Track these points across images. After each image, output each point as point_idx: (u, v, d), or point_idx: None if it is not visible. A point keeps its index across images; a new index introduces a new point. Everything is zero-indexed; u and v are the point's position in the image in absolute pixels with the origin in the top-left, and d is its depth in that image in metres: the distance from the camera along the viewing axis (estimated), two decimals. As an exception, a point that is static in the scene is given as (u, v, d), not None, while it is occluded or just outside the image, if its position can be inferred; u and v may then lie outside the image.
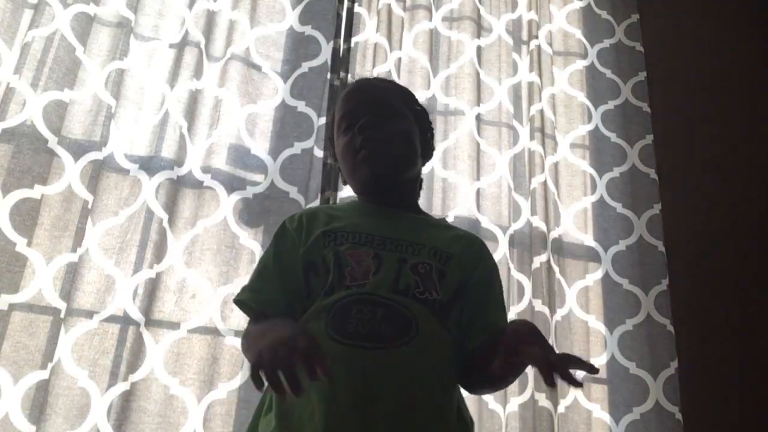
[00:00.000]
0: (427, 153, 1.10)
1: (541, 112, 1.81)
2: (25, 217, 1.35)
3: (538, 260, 1.66)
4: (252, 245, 1.51)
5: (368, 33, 1.77)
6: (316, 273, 0.91)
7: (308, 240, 0.94)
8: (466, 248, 0.99)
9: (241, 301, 0.95)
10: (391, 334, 0.82)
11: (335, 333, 0.82)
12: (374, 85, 1.08)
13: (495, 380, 0.91)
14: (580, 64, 1.99)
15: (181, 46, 1.60)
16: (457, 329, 0.92)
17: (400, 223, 0.98)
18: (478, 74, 1.84)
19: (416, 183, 1.08)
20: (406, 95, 1.09)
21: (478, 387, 0.96)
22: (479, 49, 1.87)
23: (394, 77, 1.72)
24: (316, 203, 1.58)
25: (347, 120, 1.02)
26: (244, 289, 0.96)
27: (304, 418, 0.79)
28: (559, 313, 1.66)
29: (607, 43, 2.03)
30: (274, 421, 0.83)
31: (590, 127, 1.92)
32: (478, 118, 1.79)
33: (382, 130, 0.99)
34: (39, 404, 1.26)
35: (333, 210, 1.02)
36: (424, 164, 1.11)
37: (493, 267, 1.02)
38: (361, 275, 0.87)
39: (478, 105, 1.80)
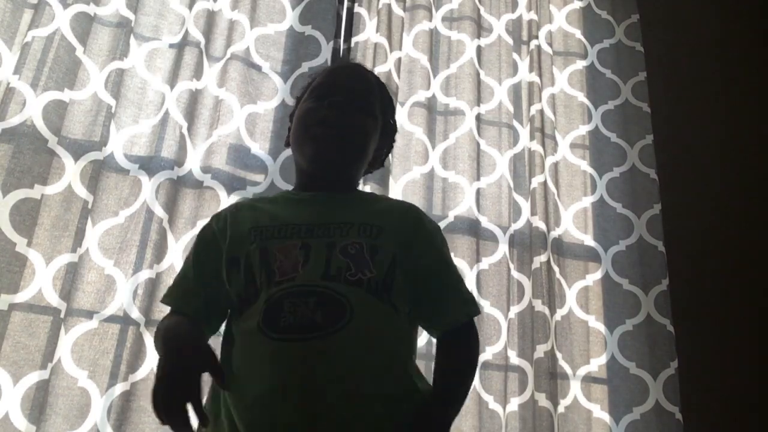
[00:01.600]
0: (375, 164, 1.10)
1: (541, 112, 1.81)
2: (25, 217, 1.35)
3: (538, 260, 1.66)
4: (252, 245, 1.51)
5: (368, 33, 1.77)
6: (237, 269, 0.90)
7: (233, 238, 0.93)
8: (400, 218, 0.98)
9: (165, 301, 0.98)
10: (324, 321, 0.80)
11: (269, 330, 0.81)
12: (365, 77, 1.07)
13: None
14: (580, 64, 1.99)
15: (181, 46, 1.60)
16: (406, 299, 0.91)
17: (328, 206, 0.97)
18: (478, 74, 1.84)
19: (354, 179, 1.07)
20: (388, 104, 1.09)
21: None
22: (479, 49, 1.87)
23: (394, 77, 1.72)
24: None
25: (323, 90, 1.02)
26: (170, 288, 0.99)
27: (243, 412, 0.80)
28: (559, 313, 1.66)
29: (607, 43, 2.03)
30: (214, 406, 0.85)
31: (590, 127, 1.92)
32: (478, 118, 1.79)
33: (345, 118, 0.98)
34: (39, 404, 1.26)
35: (260, 202, 1.02)
36: (368, 172, 1.12)
37: (434, 230, 1.02)
38: (290, 268, 0.86)
39: (478, 105, 1.80)
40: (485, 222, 1.70)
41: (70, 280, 1.35)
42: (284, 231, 0.91)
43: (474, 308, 0.98)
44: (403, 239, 0.94)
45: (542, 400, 1.53)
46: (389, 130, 1.10)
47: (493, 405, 1.53)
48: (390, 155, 1.65)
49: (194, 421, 0.72)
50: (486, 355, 1.56)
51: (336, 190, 1.01)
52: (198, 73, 1.59)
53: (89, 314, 1.36)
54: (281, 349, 0.80)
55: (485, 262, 1.65)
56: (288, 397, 0.78)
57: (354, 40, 1.77)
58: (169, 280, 1.41)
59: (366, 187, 1.56)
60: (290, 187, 1.55)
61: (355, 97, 1.01)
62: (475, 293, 1.59)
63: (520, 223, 1.73)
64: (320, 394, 0.77)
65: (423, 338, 1.43)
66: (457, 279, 1.00)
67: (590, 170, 1.87)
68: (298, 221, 0.92)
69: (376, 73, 1.67)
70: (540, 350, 1.57)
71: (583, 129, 1.92)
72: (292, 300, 0.82)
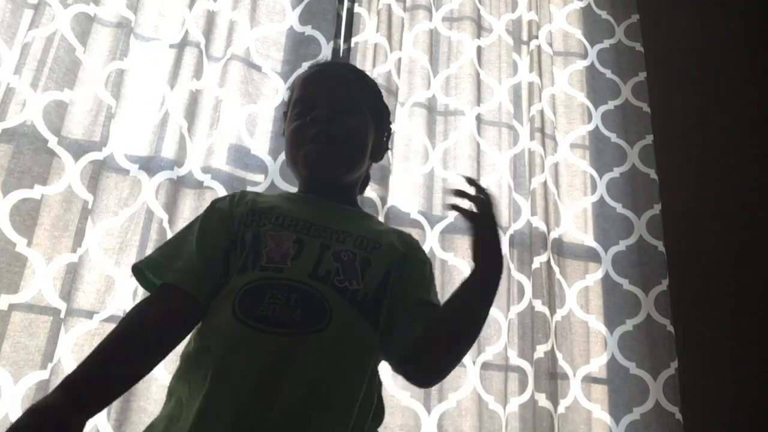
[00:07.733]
0: (378, 154, 1.07)
1: (541, 112, 1.81)
2: (25, 217, 1.35)
3: (538, 260, 1.66)
4: (252, 245, 1.51)
5: (368, 33, 1.77)
6: (234, 252, 0.88)
7: (233, 220, 0.91)
8: (399, 240, 0.97)
9: (142, 269, 0.88)
10: (302, 321, 0.78)
11: (243, 315, 0.79)
12: (337, 74, 1.04)
13: (451, 326, 0.88)
14: (580, 64, 1.99)
15: (181, 46, 1.60)
16: (391, 322, 0.89)
17: (329, 212, 0.95)
18: (478, 74, 1.84)
19: (358, 181, 1.06)
20: (369, 89, 1.06)
21: (439, 356, 0.91)
22: (479, 49, 1.87)
23: (394, 77, 1.72)
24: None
25: (302, 105, 0.99)
26: (152, 258, 0.89)
27: (195, 400, 0.77)
28: (559, 313, 1.66)
29: (607, 43, 2.02)
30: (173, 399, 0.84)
31: (590, 127, 1.92)
32: (478, 118, 1.79)
33: (333, 127, 0.96)
34: (39, 404, 1.26)
35: (262, 196, 1.00)
36: (371, 165, 1.08)
37: (428, 261, 1.00)
38: (278, 257, 0.84)
39: (478, 105, 1.80)
40: (485, 222, 1.69)
41: (70, 280, 1.35)
42: (280, 220, 0.90)
43: None
44: (399, 259, 0.93)
45: (542, 401, 1.53)
46: (382, 117, 1.07)
47: (493, 405, 1.53)
48: (390, 156, 1.65)
49: None
50: (486, 355, 1.56)
51: (337, 198, 0.99)
52: (198, 74, 1.59)
53: (89, 314, 1.36)
54: (249, 338, 0.77)
55: (485, 262, 1.65)
56: (241, 386, 0.75)
57: (354, 40, 1.77)
58: (169, 280, 1.42)
59: (366, 188, 1.57)
60: (294, 188, 1.56)
61: (336, 101, 0.98)
62: (475, 293, 1.59)
63: (520, 224, 1.73)
64: (281, 391, 0.75)
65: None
66: (436, 294, 0.98)
67: (590, 170, 1.87)
68: (295, 215, 0.91)
69: (375, 73, 1.67)
70: (540, 350, 1.57)
71: (583, 129, 1.92)
72: (274, 292, 0.81)
